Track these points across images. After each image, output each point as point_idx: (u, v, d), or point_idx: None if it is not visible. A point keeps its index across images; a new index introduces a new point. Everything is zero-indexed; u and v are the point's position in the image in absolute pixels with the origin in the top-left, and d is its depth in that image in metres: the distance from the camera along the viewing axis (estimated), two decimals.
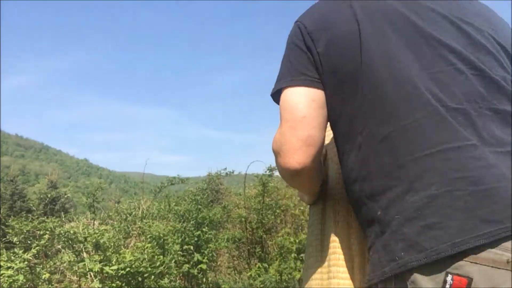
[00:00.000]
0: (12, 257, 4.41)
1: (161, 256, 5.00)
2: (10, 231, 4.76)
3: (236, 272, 6.77)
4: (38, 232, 4.89)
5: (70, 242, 4.69)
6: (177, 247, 5.24)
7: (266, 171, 6.69)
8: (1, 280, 4.10)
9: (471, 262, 0.66)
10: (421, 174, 0.73)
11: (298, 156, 0.84)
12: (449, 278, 0.66)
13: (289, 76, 0.87)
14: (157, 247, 5.14)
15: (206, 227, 5.62)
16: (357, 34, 0.82)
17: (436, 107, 0.76)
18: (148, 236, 5.22)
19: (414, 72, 0.79)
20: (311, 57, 0.87)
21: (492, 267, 0.65)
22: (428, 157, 0.74)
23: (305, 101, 0.84)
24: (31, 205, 15.69)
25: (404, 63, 0.80)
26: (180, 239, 5.40)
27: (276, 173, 6.82)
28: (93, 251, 4.76)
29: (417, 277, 0.69)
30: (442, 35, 0.82)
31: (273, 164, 6.77)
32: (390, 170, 0.77)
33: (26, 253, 4.46)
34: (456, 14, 0.86)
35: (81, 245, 4.80)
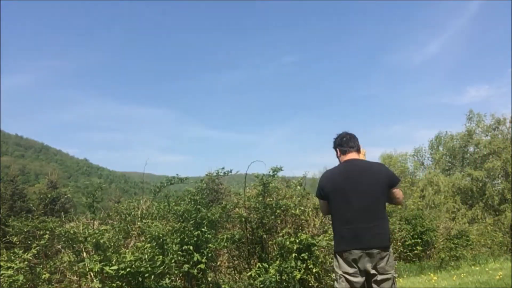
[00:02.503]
0: (12, 257, 4.41)
1: (161, 256, 4.99)
2: (10, 230, 4.75)
3: (236, 272, 6.76)
4: (38, 232, 4.89)
5: (70, 242, 4.69)
6: (176, 247, 5.22)
7: (269, 171, 6.61)
8: (1, 280, 4.10)
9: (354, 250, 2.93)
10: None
11: (323, 213, 3.35)
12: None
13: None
14: (156, 247, 5.13)
15: (205, 227, 5.60)
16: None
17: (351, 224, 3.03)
18: (148, 236, 5.21)
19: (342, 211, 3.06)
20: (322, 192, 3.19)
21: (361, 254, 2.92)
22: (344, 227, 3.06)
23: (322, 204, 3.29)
24: (31, 205, 15.71)
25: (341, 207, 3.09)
26: (179, 239, 5.39)
27: (278, 174, 6.79)
28: (93, 251, 4.75)
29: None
30: (350, 196, 2.99)
31: (274, 165, 6.75)
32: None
33: (26, 253, 4.46)
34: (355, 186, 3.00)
35: (81, 245, 4.80)
